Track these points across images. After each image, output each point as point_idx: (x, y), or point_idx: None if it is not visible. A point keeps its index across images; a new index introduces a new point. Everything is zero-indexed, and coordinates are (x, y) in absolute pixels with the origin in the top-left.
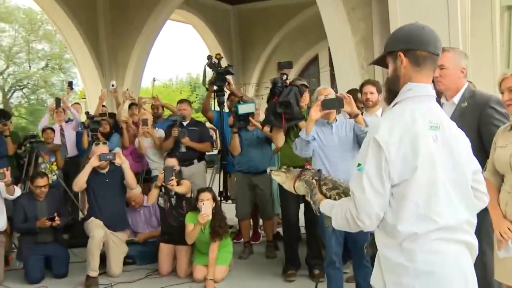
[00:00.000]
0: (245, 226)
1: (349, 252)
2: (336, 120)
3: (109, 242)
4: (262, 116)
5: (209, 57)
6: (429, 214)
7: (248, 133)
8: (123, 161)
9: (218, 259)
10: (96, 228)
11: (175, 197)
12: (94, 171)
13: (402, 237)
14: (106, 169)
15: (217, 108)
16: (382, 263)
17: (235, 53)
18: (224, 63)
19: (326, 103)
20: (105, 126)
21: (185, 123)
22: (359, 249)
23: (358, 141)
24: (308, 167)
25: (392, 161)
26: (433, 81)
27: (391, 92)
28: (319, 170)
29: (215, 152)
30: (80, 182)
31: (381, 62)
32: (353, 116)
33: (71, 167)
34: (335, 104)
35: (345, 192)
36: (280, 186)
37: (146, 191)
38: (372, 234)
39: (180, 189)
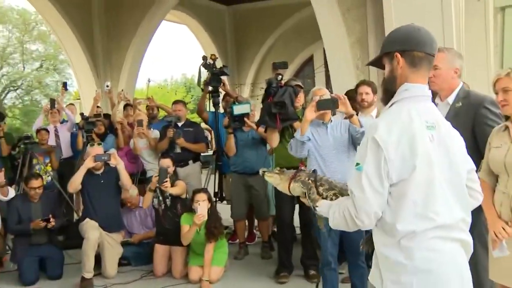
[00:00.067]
0: (240, 227)
1: (345, 253)
2: (331, 120)
3: (104, 243)
4: (257, 117)
5: (204, 58)
6: (426, 212)
7: (243, 134)
8: (118, 162)
9: (214, 260)
10: (91, 230)
11: (170, 198)
12: (89, 172)
13: (401, 235)
14: (101, 170)
15: (212, 109)
16: (380, 262)
17: (230, 53)
18: (219, 63)
19: (321, 103)
20: (100, 127)
21: (180, 124)
22: (354, 249)
23: (353, 141)
24: (302, 168)
25: (391, 161)
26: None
27: (388, 92)
28: (314, 171)
29: (210, 152)
30: (75, 183)
31: (377, 63)
32: (348, 116)
33: (65, 168)
34: (330, 104)
35: (341, 193)
36: (274, 187)
37: (141, 192)
38: (367, 231)
39: (174, 191)
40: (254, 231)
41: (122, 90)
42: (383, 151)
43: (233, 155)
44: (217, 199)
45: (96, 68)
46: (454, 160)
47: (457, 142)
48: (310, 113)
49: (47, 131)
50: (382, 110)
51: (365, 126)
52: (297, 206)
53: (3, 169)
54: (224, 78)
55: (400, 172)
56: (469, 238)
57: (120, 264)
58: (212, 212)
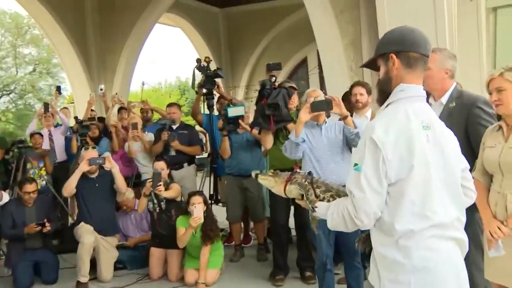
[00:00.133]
0: (236, 229)
1: (340, 254)
2: (326, 122)
3: (99, 247)
4: (251, 119)
5: (198, 60)
6: (424, 211)
7: (238, 136)
8: (112, 166)
9: (209, 263)
10: (86, 234)
11: (164, 201)
12: (84, 176)
13: (399, 234)
14: (96, 174)
15: (207, 111)
16: (378, 261)
17: (224, 56)
18: (213, 66)
19: (315, 105)
20: (94, 131)
21: (174, 127)
22: (350, 250)
23: (347, 142)
24: (297, 170)
25: (389, 161)
26: None
27: (384, 93)
28: (309, 173)
29: (205, 155)
30: (70, 187)
31: (371, 65)
32: (342, 117)
33: (60, 172)
34: (324, 106)
35: (338, 194)
36: (269, 190)
37: (136, 195)
38: (363, 231)
39: (168, 194)
40: (250, 233)
41: (116, 93)
42: (381, 151)
43: (228, 158)
44: (212, 202)
45: (90, 72)
46: (449, 159)
47: (450, 141)
48: (305, 115)
49: (41, 135)
50: (377, 111)
51: (359, 127)
52: (292, 208)
53: None
54: (218, 80)
55: (398, 172)
56: (464, 237)
57: (115, 268)
58: (208, 215)
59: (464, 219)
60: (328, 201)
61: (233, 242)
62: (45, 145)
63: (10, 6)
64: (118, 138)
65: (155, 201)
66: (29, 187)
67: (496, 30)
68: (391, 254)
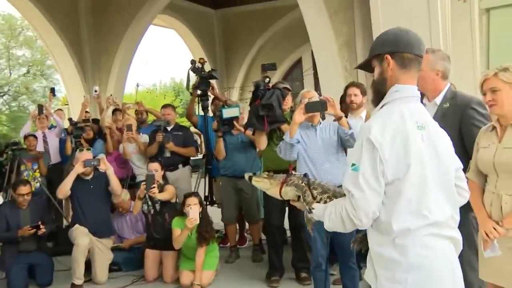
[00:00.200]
0: (231, 230)
1: (336, 254)
2: (320, 122)
3: (94, 249)
4: (246, 120)
5: (193, 62)
6: (420, 210)
7: (232, 137)
8: (107, 167)
9: (205, 264)
10: (81, 236)
11: (159, 203)
12: (78, 177)
13: (396, 233)
14: (90, 176)
15: (201, 113)
16: (375, 260)
17: (218, 57)
18: (207, 67)
19: (310, 106)
20: (89, 132)
21: (169, 128)
22: (345, 251)
23: (342, 143)
24: (293, 172)
25: (386, 160)
26: None
27: (379, 94)
28: (305, 175)
29: (200, 156)
30: (64, 189)
31: (365, 66)
32: (336, 118)
33: (54, 174)
34: (319, 107)
35: (335, 195)
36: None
37: (132, 197)
38: (358, 231)
39: (163, 196)
40: (245, 234)
41: (111, 95)
42: (378, 151)
43: (223, 159)
44: (208, 203)
45: (84, 73)
46: (442, 159)
47: (444, 141)
48: (299, 116)
49: (35, 137)
50: (372, 112)
51: (354, 128)
52: (287, 209)
53: None
54: (213, 81)
55: (395, 171)
56: (458, 235)
57: (110, 270)
58: (203, 216)
59: (458, 217)
60: (325, 202)
61: (229, 243)
62: (39, 147)
63: (3, 8)
64: (113, 140)
65: (150, 203)
66: (23, 189)
67: (489, 31)
68: (388, 253)
